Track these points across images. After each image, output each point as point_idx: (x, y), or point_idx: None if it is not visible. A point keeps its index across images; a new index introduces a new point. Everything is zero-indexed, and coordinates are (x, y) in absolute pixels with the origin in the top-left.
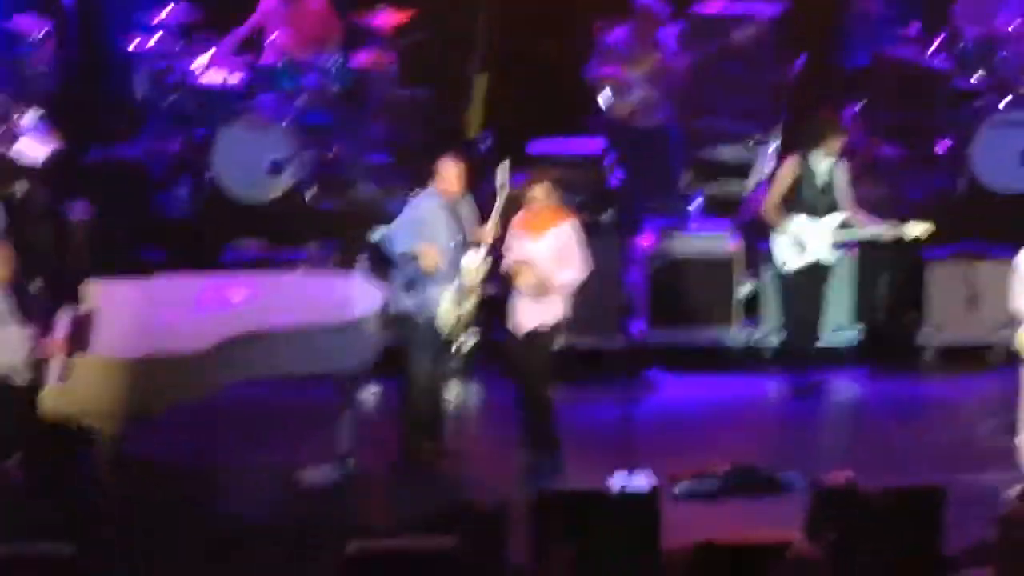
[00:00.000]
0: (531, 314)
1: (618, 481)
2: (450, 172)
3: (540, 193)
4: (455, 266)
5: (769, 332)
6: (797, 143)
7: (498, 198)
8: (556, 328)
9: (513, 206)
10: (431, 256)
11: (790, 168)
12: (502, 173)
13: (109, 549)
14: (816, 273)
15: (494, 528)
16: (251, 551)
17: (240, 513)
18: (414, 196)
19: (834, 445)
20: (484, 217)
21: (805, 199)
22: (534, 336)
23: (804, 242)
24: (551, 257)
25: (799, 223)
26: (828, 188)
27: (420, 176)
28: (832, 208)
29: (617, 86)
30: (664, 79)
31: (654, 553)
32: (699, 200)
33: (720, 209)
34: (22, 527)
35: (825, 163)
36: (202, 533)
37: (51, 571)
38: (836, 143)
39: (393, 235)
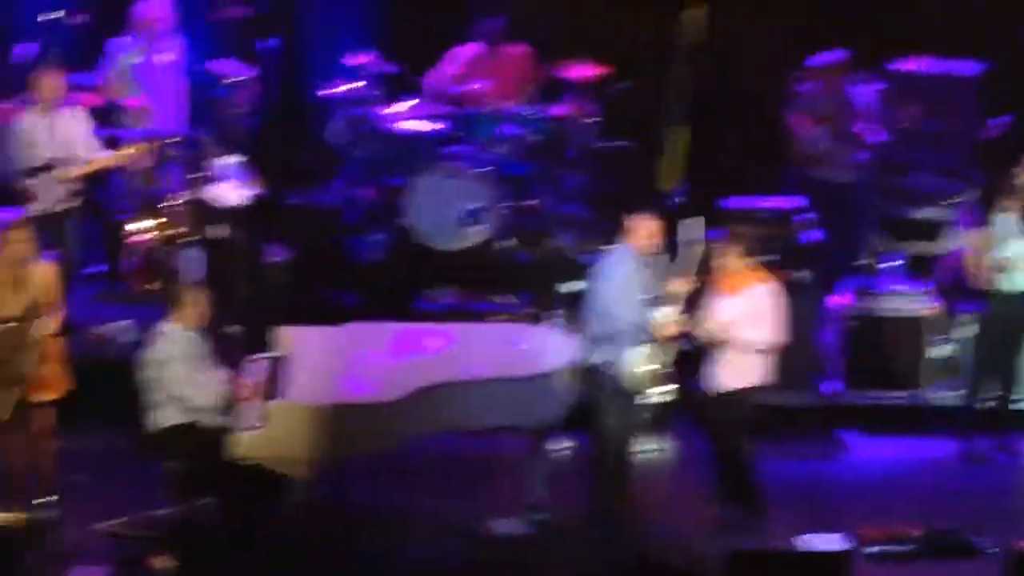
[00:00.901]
0: (732, 373)
1: (809, 541)
2: (645, 228)
3: (735, 255)
4: (648, 322)
5: (965, 394)
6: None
7: (691, 254)
8: (756, 389)
9: (706, 262)
10: (667, 328)
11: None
12: (696, 228)
13: None
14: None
15: None
16: None
17: (430, 561)
18: (608, 252)
19: None
20: (677, 272)
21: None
22: (733, 395)
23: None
24: (744, 317)
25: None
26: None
27: (616, 229)
28: None
29: (804, 139)
30: (851, 134)
31: None
32: (896, 259)
33: (917, 269)
34: (215, 571)
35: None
36: None
37: None
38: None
39: (606, 294)
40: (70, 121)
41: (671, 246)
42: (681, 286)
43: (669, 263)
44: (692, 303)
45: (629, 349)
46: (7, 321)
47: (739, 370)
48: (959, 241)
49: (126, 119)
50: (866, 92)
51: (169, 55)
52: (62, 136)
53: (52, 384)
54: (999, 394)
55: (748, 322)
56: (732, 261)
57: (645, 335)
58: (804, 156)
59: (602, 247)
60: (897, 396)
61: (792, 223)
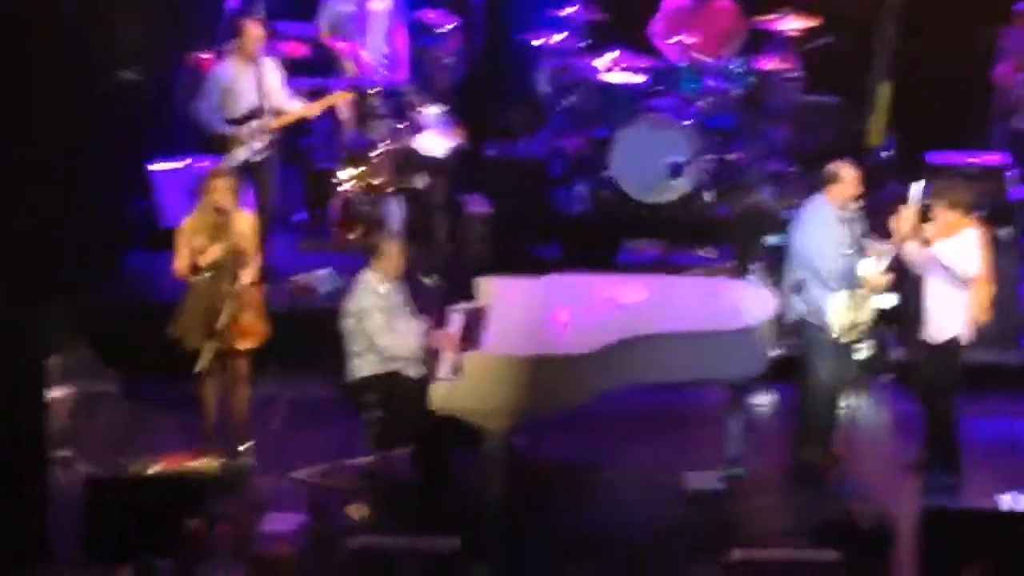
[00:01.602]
0: (942, 324)
1: (1011, 500)
2: (848, 178)
3: (946, 209)
4: (851, 274)
5: None
6: None
7: (907, 210)
8: (964, 341)
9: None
10: (872, 279)
11: None
12: (916, 189)
13: (493, 546)
14: None
15: (880, 544)
16: (634, 554)
17: (624, 516)
18: (808, 202)
19: None
20: (883, 226)
21: None
22: (942, 348)
23: None
24: (954, 257)
25: None
26: None
27: (818, 183)
28: None
29: (1008, 90)
30: None
31: None
32: None
33: None
34: (410, 520)
35: None
36: (584, 534)
37: (436, 565)
38: None
39: (806, 243)
40: (271, 71)
41: (879, 201)
42: (892, 241)
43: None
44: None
45: (832, 299)
46: (209, 269)
47: (948, 320)
48: None
49: (338, 67)
50: None
51: (383, 3)
52: (264, 86)
53: (252, 332)
54: None
55: (958, 257)
56: (944, 215)
57: (848, 285)
58: (1007, 108)
59: (804, 201)
60: None
61: (999, 179)
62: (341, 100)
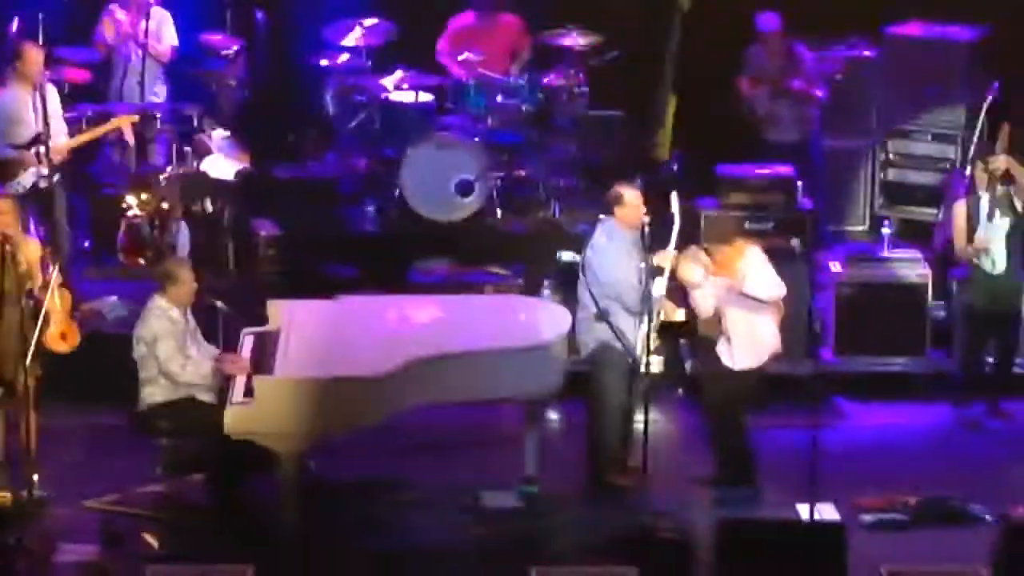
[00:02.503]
0: (750, 352)
1: (805, 510)
2: (634, 202)
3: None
4: (649, 296)
5: (958, 361)
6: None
7: (674, 225)
8: (760, 368)
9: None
10: (670, 310)
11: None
12: (675, 202)
13: (291, 570)
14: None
15: (678, 557)
16: (432, 573)
17: (422, 535)
18: (600, 224)
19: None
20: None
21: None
22: (737, 373)
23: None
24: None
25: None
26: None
27: (606, 201)
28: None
29: (750, 101)
30: (793, 96)
31: None
32: (889, 225)
33: (911, 234)
34: (205, 547)
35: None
36: (383, 554)
37: None
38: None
39: (602, 267)
40: (52, 95)
41: (666, 215)
42: (666, 259)
43: (651, 236)
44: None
45: (627, 320)
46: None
47: (756, 347)
48: (952, 208)
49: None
50: (807, 56)
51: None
52: (46, 111)
53: (66, 336)
54: (992, 360)
55: (747, 283)
56: (720, 251)
57: (642, 307)
58: (752, 119)
59: (594, 217)
60: (892, 363)
61: (788, 190)
62: (121, 124)
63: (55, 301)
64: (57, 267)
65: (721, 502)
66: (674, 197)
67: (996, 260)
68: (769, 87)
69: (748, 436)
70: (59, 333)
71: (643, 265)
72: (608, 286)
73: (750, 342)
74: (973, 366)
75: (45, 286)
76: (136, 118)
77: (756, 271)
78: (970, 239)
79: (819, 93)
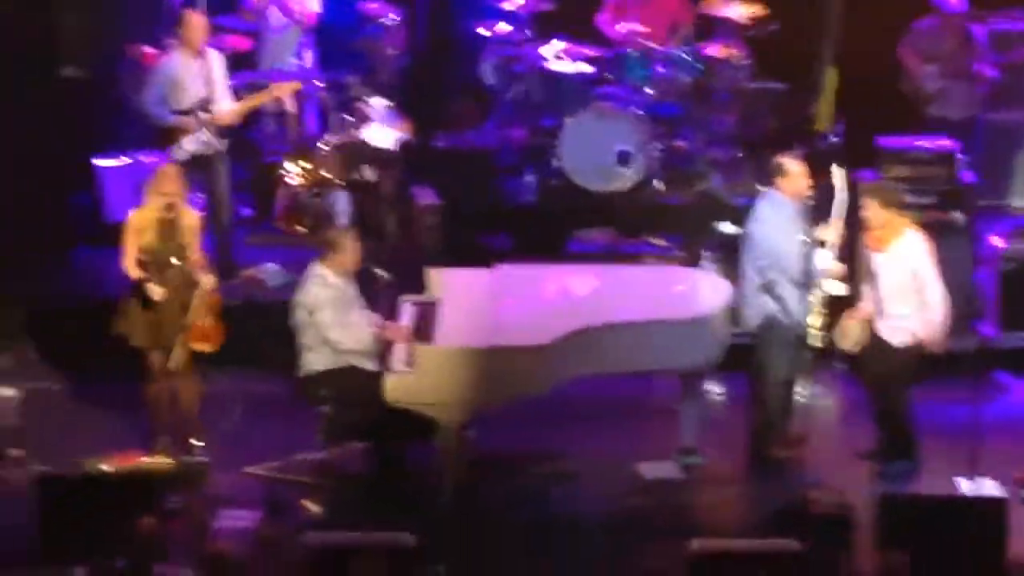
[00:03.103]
0: (898, 325)
1: (965, 485)
2: (797, 173)
3: (876, 206)
4: (814, 268)
5: None
6: None
7: (838, 199)
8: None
9: (853, 209)
10: (828, 272)
11: None
12: (838, 175)
13: (448, 539)
14: None
15: (838, 531)
16: (591, 544)
17: (579, 506)
18: (763, 196)
19: None
20: (827, 218)
21: None
22: (899, 348)
23: None
24: (896, 272)
25: None
26: None
27: (767, 172)
28: None
29: (917, 76)
30: (965, 75)
31: (999, 560)
32: None
33: None
34: (365, 515)
35: None
36: (540, 525)
37: (392, 559)
38: None
39: (767, 240)
40: (216, 62)
41: (826, 188)
42: (830, 232)
43: (817, 208)
44: (843, 247)
45: (791, 292)
46: (167, 267)
47: (908, 324)
48: None
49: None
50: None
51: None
52: (210, 77)
53: (209, 336)
54: None
55: (903, 275)
56: (875, 211)
57: (807, 278)
58: (918, 94)
59: (753, 189)
60: None
61: (950, 163)
62: (283, 93)
63: (201, 303)
64: (208, 275)
65: (881, 476)
66: (837, 169)
67: None
68: (941, 66)
69: (909, 411)
70: (202, 334)
71: (806, 237)
72: (772, 258)
73: (905, 319)
74: None
75: (203, 262)
76: (298, 85)
77: (924, 260)
78: None
79: (991, 74)
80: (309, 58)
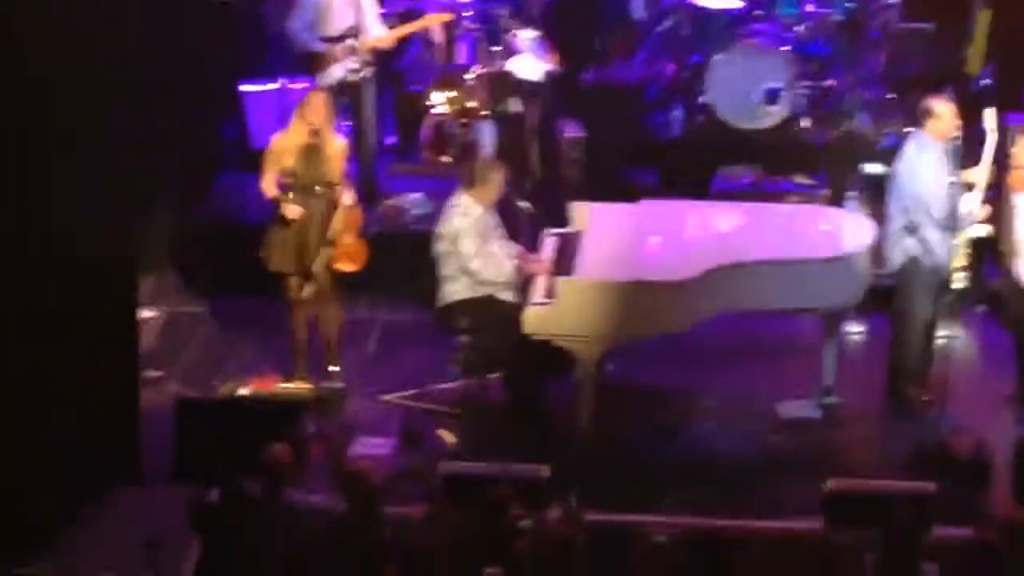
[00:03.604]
0: None
1: None
2: (944, 113)
3: (1021, 150)
4: (959, 211)
5: None
6: None
7: (988, 141)
8: None
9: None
10: (974, 214)
11: None
12: (990, 118)
13: (584, 473)
14: None
15: (976, 474)
16: (726, 481)
17: (717, 444)
18: (911, 137)
19: None
20: (975, 158)
21: None
22: None
23: None
24: None
25: None
26: None
27: (916, 113)
28: None
29: None
30: None
31: None
32: None
33: None
34: (502, 446)
35: None
36: (677, 463)
37: (528, 491)
38: None
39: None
40: None
41: (975, 130)
42: (979, 175)
43: (966, 151)
44: (992, 191)
45: (935, 235)
46: (311, 193)
47: None
48: None
49: None
50: None
51: None
52: (359, 4)
53: (354, 255)
54: None
55: None
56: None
57: (952, 221)
58: None
59: (901, 130)
60: None
61: None
62: (435, 22)
63: (343, 221)
64: (350, 191)
65: (1021, 421)
66: (989, 113)
67: None
68: None
69: None
70: (345, 253)
71: (954, 179)
72: (917, 199)
73: None
74: None
75: (345, 185)
76: (449, 16)
77: None
78: None
79: None
80: None
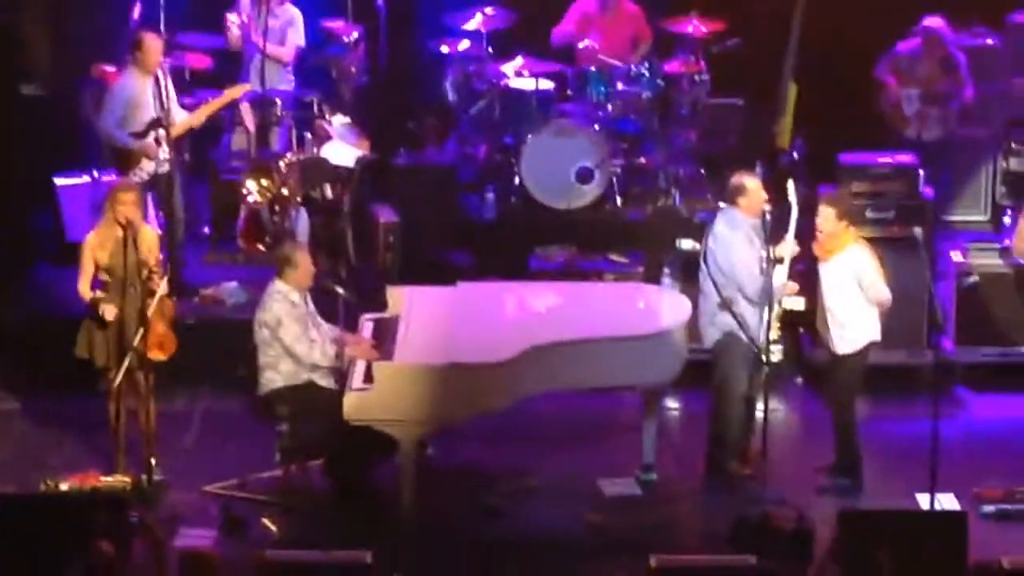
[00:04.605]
0: (842, 335)
1: (925, 500)
2: (756, 190)
3: (831, 217)
4: (770, 286)
5: None
6: None
7: (792, 214)
8: (866, 350)
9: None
10: (785, 289)
11: None
12: (791, 191)
13: (407, 556)
14: None
15: (797, 546)
16: (551, 560)
17: (540, 523)
18: (722, 214)
19: None
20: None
21: None
22: (844, 358)
23: None
24: (841, 281)
25: None
26: None
27: (726, 190)
28: None
29: (894, 99)
30: (943, 99)
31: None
32: (1011, 215)
33: None
34: (324, 533)
35: None
36: (501, 542)
37: None
38: None
39: (725, 259)
40: (169, 82)
41: (786, 204)
42: (786, 248)
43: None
44: (798, 263)
45: (749, 309)
46: (127, 285)
47: (851, 334)
48: None
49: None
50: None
51: (276, 24)
52: (163, 97)
53: (165, 344)
54: None
55: (842, 287)
56: (827, 223)
57: (766, 296)
58: (891, 115)
59: (714, 206)
60: (1013, 353)
61: (911, 178)
62: (236, 95)
63: (156, 310)
64: (163, 281)
65: (821, 491)
66: (791, 185)
67: None
68: (921, 90)
69: (855, 426)
70: (157, 342)
71: (764, 254)
72: (730, 275)
73: (847, 329)
74: None
75: (160, 274)
76: (246, 87)
77: (870, 269)
78: None
79: (970, 95)
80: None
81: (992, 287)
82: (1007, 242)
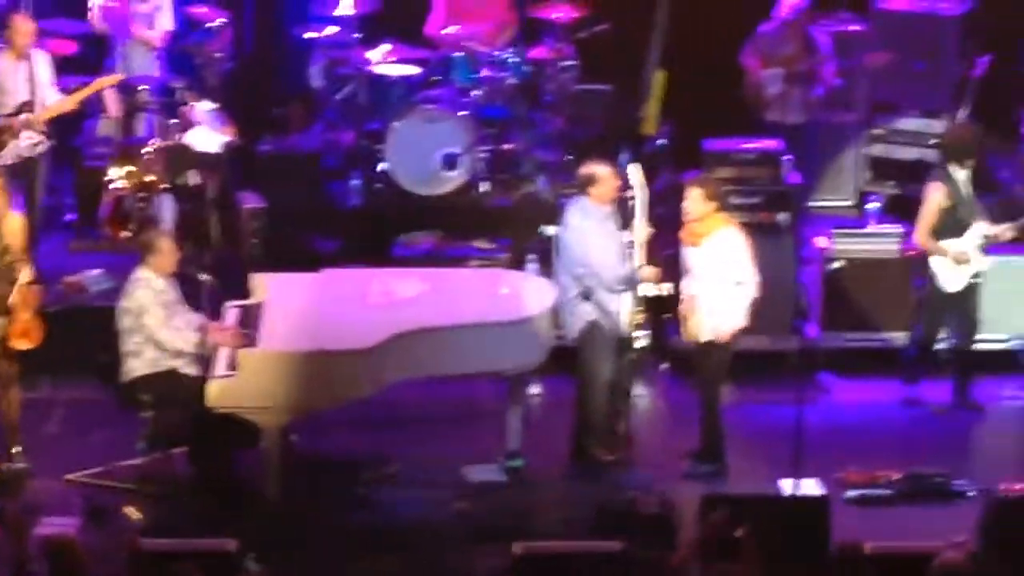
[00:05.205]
0: (709, 321)
1: (788, 485)
2: (607, 178)
3: (699, 199)
4: (631, 272)
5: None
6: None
7: (637, 199)
8: (733, 337)
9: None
10: (652, 274)
11: (941, 193)
12: (635, 173)
13: (272, 544)
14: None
15: (662, 531)
16: (415, 547)
17: (405, 510)
18: (573, 204)
19: (1009, 454)
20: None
21: (960, 218)
22: (710, 344)
23: (967, 259)
24: (711, 266)
25: (956, 245)
26: (970, 200)
27: (579, 181)
28: (971, 218)
29: (757, 80)
30: (806, 79)
31: (822, 559)
32: (876, 200)
33: (898, 210)
34: (187, 519)
35: (963, 175)
36: (365, 529)
37: (215, 565)
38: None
39: (581, 247)
40: (41, 65)
41: (654, 191)
42: (637, 233)
43: (627, 210)
44: (652, 249)
45: (608, 297)
46: None
47: (718, 320)
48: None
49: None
50: (822, 36)
51: (145, 8)
52: (35, 80)
53: (30, 333)
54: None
55: (715, 270)
56: (695, 205)
57: (625, 282)
58: (754, 99)
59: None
60: (876, 338)
61: (775, 164)
62: (108, 84)
63: (20, 298)
64: (28, 268)
65: (686, 476)
66: (633, 170)
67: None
68: (784, 70)
69: (718, 411)
70: (21, 331)
71: (620, 240)
72: (587, 265)
73: (712, 315)
74: (927, 344)
75: (25, 261)
76: (118, 77)
77: (738, 254)
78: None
79: (833, 77)
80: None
81: (856, 273)
82: (871, 228)
